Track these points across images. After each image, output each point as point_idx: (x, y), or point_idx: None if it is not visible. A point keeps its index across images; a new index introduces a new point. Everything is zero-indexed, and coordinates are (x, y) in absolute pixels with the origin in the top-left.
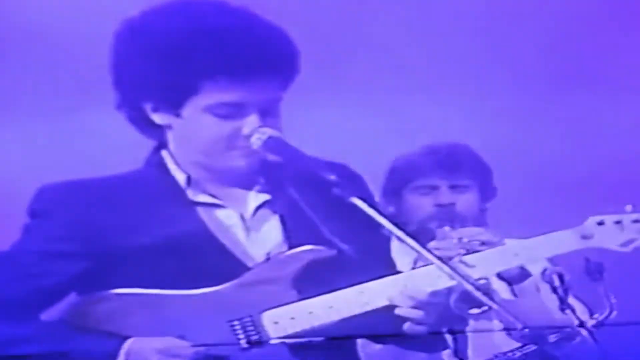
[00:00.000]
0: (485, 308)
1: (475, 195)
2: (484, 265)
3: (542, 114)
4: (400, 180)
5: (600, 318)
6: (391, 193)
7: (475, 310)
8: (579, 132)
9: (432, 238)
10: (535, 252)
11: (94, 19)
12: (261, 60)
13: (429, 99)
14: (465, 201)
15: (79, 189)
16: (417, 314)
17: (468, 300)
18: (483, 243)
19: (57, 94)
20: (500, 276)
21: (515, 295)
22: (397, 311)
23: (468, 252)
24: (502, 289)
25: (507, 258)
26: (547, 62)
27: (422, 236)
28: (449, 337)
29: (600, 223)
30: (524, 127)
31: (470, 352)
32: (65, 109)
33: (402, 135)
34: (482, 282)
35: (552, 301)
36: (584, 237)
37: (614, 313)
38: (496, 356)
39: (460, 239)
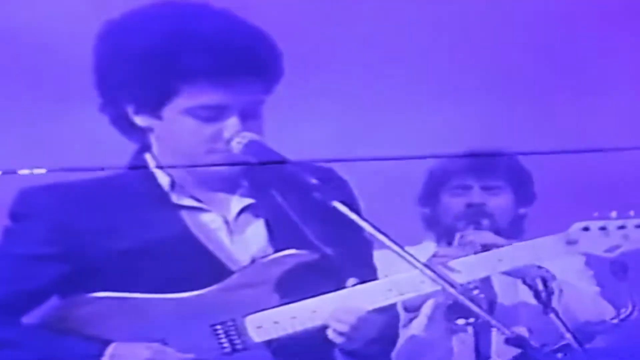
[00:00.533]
0: (472, 320)
1: (509, 199)
2: (468, 271)
3: (525, 118)
4: (436, 182)
5: (623, 316)
6: (428, 195)
7: (461, 321)
8: (563, 138)
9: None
10: (519, 258)
11: (76, 20)
12: (242, 63)
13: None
14: (498, 203)
15: (61, 192)
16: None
17: (454, 310)
18: (486, 248)
19: (39, 95)
20: (524, 282)
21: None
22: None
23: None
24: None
25: (491, 264)
26: (536, 64)
27: (449, 237)
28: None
29: (585, 229)
30: (508, 130)
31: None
32: (47, 112)
33: (395, 139)
34: (475, 291)
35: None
36: (569, 242)
37: (636, 312)
38: None
39: (471, 242)
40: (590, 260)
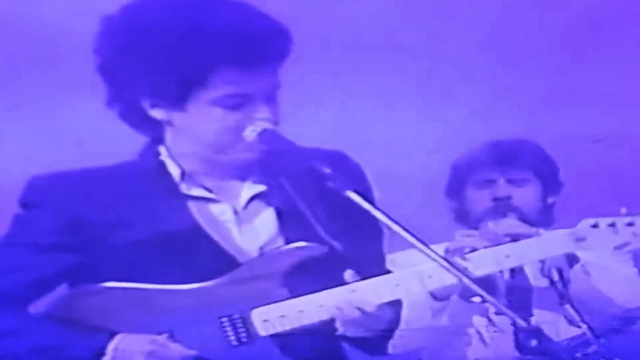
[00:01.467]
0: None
1: (536, 189)
2: (476, 266)
3: (537, 110)
4: (461, 176)
5: None
6: (453, 189)
7: (476, 299)
8: (573, 134)
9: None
10: (527, 253)
11: (87, 12)
12: (260, 49)
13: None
14: (524, 195)
15: (70, 181)
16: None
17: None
18: (517, 236)
19: (48, 86)
20: (542, 273)
21: (566, 281)
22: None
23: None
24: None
25: (499, 259)
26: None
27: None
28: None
29: (594, 226)
30: (518, 124)
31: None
32: (58, 101)
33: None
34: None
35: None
36: (577, 239)
37: None
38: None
39: (499, 231)
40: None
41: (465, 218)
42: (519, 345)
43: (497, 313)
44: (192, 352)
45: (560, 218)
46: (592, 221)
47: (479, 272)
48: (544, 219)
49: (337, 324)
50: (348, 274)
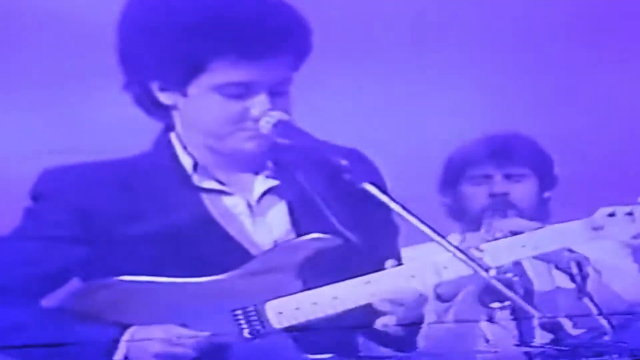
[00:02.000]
0: (507, 303)
1: (533, 184)
2: (492, 256)
3: (554, 100)
4: (456, 171)
5: None
6: (448, 185)
7: (496, 304)
8: (590, 121)
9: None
10: (543, 243)
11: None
12: (271, 39)
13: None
14: (522, 190)
15: (83, 173)
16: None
17: (490, 293)
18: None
19: (61, 75)
20: (557, 267)
21: (585, 275)
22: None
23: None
24: (561, 278)
25: (515, 249)
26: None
27: (477, 227)
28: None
29: (611, 214)
30: (539, 114)
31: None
32: (70, 92)
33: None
34: (508, 274)
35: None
36: (594, 228)
37: None
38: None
39: (504, 229)
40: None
41: (459, 214)
42: (523, 340)
43: (502, 308)
44: (205, 341)
45: (569, 212)
46: (609, 210)
47: (495, 263)
48: (540, 214)
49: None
50: (389, 264)
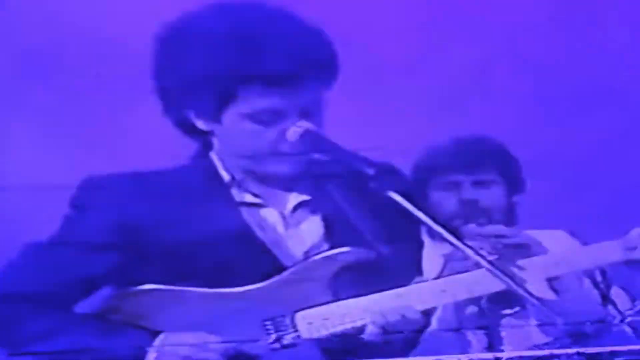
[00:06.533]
0: (517, 309)
1: (502, 189)
2: (524, 274)
3: (584, 112)
4: (423, 175)
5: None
6: (415, 190)
7: (508, 311)
8: (623, 137)
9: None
10: (576, 262)
11: (134, 21)
12: (297, 63)
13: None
14: (491, 196)
15: (122, 182)
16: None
17: (499, 301)
18: (505, 239)
19: (103, 90)
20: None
21: (555, 291)
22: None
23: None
24: (541, 286)
25: (548, 267)
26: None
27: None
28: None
29: None
30: (566, 128)
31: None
32: (112, 105)
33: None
34: None
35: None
36: (628, 248)
37: None
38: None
39: (487, 237)
40: None
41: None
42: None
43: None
44: (234, 348)
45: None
46: None
47: (528, 280)
48: (508, 218)
49: (368, 328)
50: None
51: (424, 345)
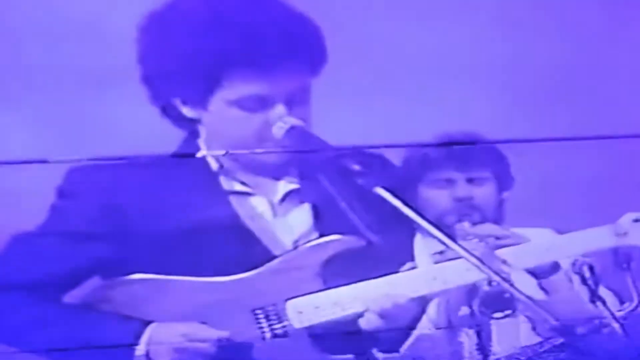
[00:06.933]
0: (509, 312)
1: (493, 187)
2: (515, 261)
3: (575, 104)
4: (414, 172)
5: (629, 308)
6: (406, 187)
7: (498, 314)
8: (613, 127)
9: (450, 232)
10: (567, 248)
11: (119, 9)
12: (282, 50)
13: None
14: (484, 193)
15: (109, 171)
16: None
17: (491, 303)
18: (498, 239)
19: (86, 77)
20: (528, 271)
21: (544, 290)
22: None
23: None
24: (530, 285)
25: (539, 253)
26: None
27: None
28: (471, 332)
29: (637, 220)
30: (555, 117)
31: (494, 345)
32: (98, 92)
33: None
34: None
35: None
36: (618, 234)
37: None
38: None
39: (480, 235)
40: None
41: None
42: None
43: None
44: (225, 338)
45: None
46: (634, 215)
47: (519, 267)
48: (498, 215)
49: (364, 316)
50: (407, 266)
51: (416, 345)
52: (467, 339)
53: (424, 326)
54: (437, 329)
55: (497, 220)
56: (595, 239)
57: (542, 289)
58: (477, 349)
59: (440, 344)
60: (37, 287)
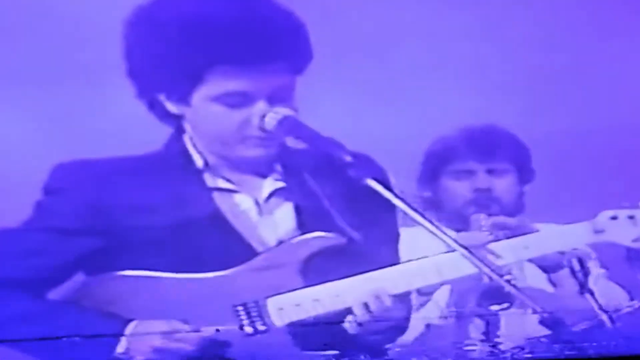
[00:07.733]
0: (506, 305)
1: (513, 179)
2: (494, 257)
3: (561, 102)
4: (436, 164)
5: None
6: (427, 178)
7: (496, 307)
8: (595, 125)
9: (468, 224)
10: (545, 244)
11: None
12: (264, 46)
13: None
14: (504, 185)
15: (94, 168)
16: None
17: (489, 297)
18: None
19: (72, 73)
20: (538, 265)
21: (553, 284)
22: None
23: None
24: (540, 279)
25: (517, 251)
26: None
27: (458, 221)
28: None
29: (614, 217)
30: (539, 116)
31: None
32: (82, 89)
33: (433, 119)
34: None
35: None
36: (596, 231)
37: None
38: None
39: (492, 227)
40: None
41: (439, 208)
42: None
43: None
44: (206, 336)
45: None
46: (611, 213)
47: (498, 263)
48: (518, 207)
49: (354, 312)
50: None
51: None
52: (475, 329)
53: (433, 316)
54: (444, 318)
55: (517, 213)
56: (573, 236)
57: (551, 282)
58: (484, 340)
59: (448, 335)
60: (22, 283)
